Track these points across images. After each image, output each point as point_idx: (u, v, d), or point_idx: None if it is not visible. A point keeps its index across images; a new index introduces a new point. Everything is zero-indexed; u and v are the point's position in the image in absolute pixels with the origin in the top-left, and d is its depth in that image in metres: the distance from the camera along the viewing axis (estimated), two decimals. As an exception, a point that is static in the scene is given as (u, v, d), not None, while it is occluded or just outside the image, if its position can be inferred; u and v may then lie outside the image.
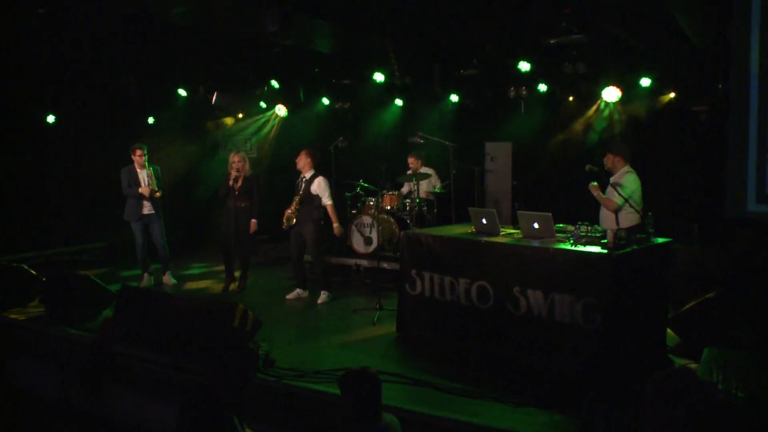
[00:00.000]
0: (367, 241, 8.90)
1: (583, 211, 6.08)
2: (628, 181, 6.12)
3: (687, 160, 8.20)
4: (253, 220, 8.03)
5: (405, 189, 9.56)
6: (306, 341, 6.14)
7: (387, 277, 8.49)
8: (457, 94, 9.63)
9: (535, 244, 5.41)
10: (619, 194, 5.82)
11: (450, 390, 4.74)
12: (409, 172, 9.23)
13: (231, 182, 7.91)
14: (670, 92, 8.26)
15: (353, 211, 9.48)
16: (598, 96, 8.62)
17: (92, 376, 6.15)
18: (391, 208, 9.05)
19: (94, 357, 6.15)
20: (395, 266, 8.49)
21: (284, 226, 7.65)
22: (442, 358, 5.50)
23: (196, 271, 9.69)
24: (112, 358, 6.14)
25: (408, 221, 9.07)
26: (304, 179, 7.67)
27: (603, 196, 6.12)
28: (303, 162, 7.59)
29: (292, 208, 7.55)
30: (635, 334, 5.15)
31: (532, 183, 9.28)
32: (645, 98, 8.40)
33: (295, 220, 7.53)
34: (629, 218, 6.08)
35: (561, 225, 5.78)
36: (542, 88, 8.87)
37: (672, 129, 8.33)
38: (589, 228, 5.49)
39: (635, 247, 5.08)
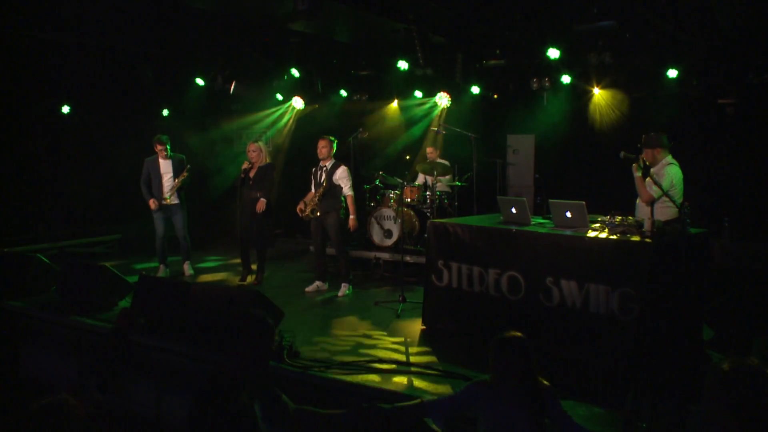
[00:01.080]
0: (387, 233, 8.75)
1: (608, 205, 5.82)
2: (668, 173, 5.78)
3: (714, 153, 8.01)
4: (262, 199, 7.82)
5: (420, 179, 9.39)
6: (328, 333, 5.97)
7: (408, 270, 8.35)
8: (479, 86, 9.45)
9: (568, 233, 5.24)
10: (658, 186, 5.53)
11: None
12: (427, 161, 9.09)
13: (243, 173, 7.77)
14: (696, 84, 8.04)
15: (372, 204, 9.34)
16: (623, 87, 8.44)
17: (109, 366, 6.04)
18: (412, 200, 8.89)
19: (111, 347, 6.03)
20: (417, 259, 8.37)
21: (305, 216, 7.45)
22: (472, 350, 5.33)
23: (211, 264, 9.56)
24: (130, 348, 6.01)
25: (429, 214, 8.92)
26: (324, 168, 7.48)
27: (643, 182, 5.81)
28: (328, 150, 7.38)
29: (314, 198, 7.36)
30: (672, 326, 4.96)
31: (555, 176, 9.08)
32: (672, 89, 8.18)
33: (319, 212, 7.33)
34: (666, 212, 5.75)
35: (590, 216, 5.60)
36: (566, 79, 8.68)
37: (700, 121, 8.14)
38: (623, 217, 5.31)
39: (673, 236, 4.90)
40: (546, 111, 9.17)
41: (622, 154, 5.58)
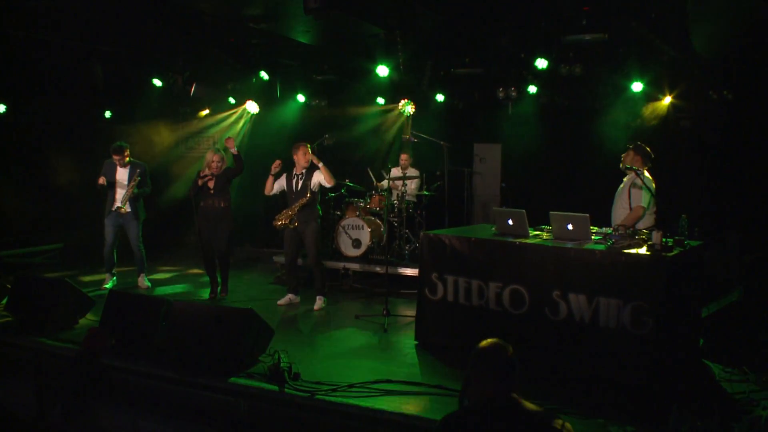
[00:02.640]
0: (356, 243, 8.41)
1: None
2: (646, 181, 5.94)
3: (678, 166, 8.17)
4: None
5: (384, 184, 9.09)
6: (318, 352, 5.59)
7: (379, 281, 8.07)
8: (443, 94, 9.29)
9: (569, 245, 5.10)
10: (650, 192, 5.55)
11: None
12: (397, 168, 8.83)
13: (201, 182, 7.20)
14: (663, 98, 8.19)
15: (338, 213, 8.99)
16: (592, 98, 8.49)
17: (79, 392, 5.41)
18: (380, 209, 8.60)
19: (81, 371, 5.41)
20: (383, 270, 8.07)
21: (279, 226, 6.99)
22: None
23: (166, 275, 8.91)
24: (102, 372, 5.42)
25: (396, 223, 8.65)
26: (299, 176, 7.05)
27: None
28: (308, 157, 6.96)
29: (294, 208, 6.91)
30: (682, 338, 4.91)
31: (521, 185, 9.03)
32: (639, 102, 8.30)
33: (297, 222, 6.90)
34: (646, 220, 5.94)
35: None
36: (532, 89, 8.65)
37: (664, 134, 8.28)
38: (626, 230, 5.25)
39: (681, 249, 4.85)
40: (513, 120, 9.10)
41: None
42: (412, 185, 8.81)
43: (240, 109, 10.81)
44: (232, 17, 7.38)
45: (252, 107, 10.62)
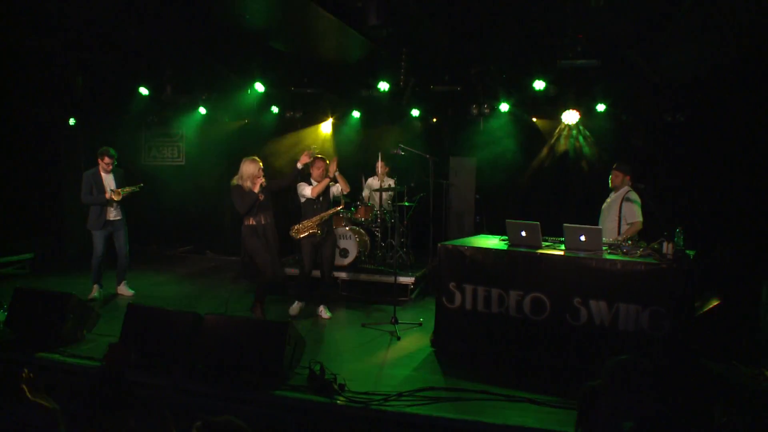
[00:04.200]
0: (343, 252, 8.34)
1: (548, 226, 6.01)
2: (635, 197, 6.33)
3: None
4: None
5: (366, 194, 9.07)
6: (343, 362, 5.49)
7: (367, 288, 8.07)
8: (419, 109, 9.42)
9: (582, 254, 5.33)
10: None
11: (545, 402, 4.47)
12: (375, 178, 8.84)
13: (261, 195, 6.44)
14: (625, 119, 8.65)
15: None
16: (555, 117, 8.88)
17: (100, 409, 5.06)
18: (365, 220, 8.59)
19: (105, 387, 5.06)
20: (374, 278, 8.08)
21: (305, 236, 6.73)
22: (500, 370, 5.22)
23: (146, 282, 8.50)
24: (126, 388, 5.09)
25: (377, 233, 8.68)
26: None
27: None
28: (331, 169, 6.78)
29: (322, 217, 6.73)
30: (690, 339, 5.23)
31: (494, 197, 9.30)
32: (601, 120, 8.75)
33: (319, 231, 6.74)
34: (632, 230, 6.33)
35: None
36: (504, 107, 8.93)
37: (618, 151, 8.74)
38: (631, 241, 5.57)
39: (688, 258, 5.18)
40: (487, 135, 9.33)
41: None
42: (386, 195, 8.84)
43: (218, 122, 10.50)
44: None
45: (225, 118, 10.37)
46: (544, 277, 5.33)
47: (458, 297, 5.72)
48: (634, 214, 6.24)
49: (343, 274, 8.23)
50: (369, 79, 8.72)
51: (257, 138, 10.21)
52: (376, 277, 8.10)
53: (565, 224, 5.59)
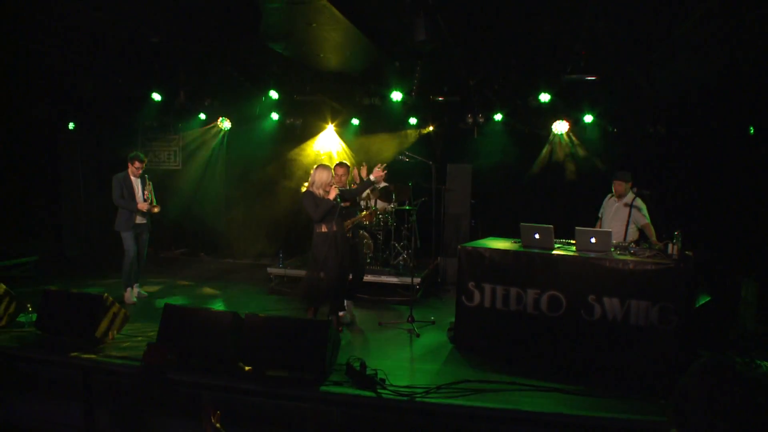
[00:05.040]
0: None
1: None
2: (641, 203, 6.76)
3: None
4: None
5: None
6: (375, 357, 5.66)
7: (374, 289, 8.28)
8: (416, 118, 9.72)
9: (592, 255, 5.69)
10: (645, 213, 6.43)
11: (570, 391, 4.79)
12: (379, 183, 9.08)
13: (337, 201, 6.27)
14: (612, 129, 9.12)
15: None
16: (550, 127, 9.30)
17: (145, 407, 5.15)
18: (370, 224, 8.80)
19: (147, 386, 5.15)
20: (378, 279, 8.31)
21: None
22: (520, 363, 5.53)
23: (155, 288, 8.52)
24: (170, 386, 5.18)
25: (379, 236, 8.92)
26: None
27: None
28: (349, 175, 7.02)
29: (352, 222, 6.96)
30: (693, 331, 5.64)
31: (488, 203, 9.65)
32: (589, 130, 9.21)
33: (350, 233, 6.93)
34: (634, 234, 6.76)
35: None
36: (498, 117, 9.31)
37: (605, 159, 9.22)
38: (638, 244, 5.97)
39: (690, 259, 5.59)
40: (481, 144, 9.68)
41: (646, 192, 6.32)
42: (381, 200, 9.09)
43: (212, 126, 10.55)
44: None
45: (225, 123, 10.43)
46: (560, 276, 5.67)
47: (477, 296, 6.01)
48: (644, 217, 6.66)
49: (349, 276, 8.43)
50: (372, 87, 8.95)
51: (257, 144, 10.32)
52: (383, 278, 8.33)
53: (576, 227, 5.94)
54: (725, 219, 8.33)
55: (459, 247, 6.18)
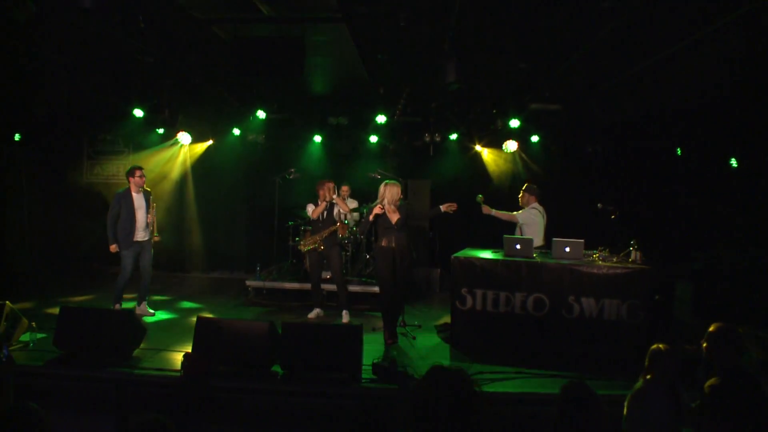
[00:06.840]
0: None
1: (494, 240, 7.52)
2: (529, 212, 7.87)
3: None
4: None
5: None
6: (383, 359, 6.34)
7: (352, 298, 8.86)
8: (377, 136, 10.45)
9: (566, 262, 6.70)
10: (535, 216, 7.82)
11: (565, 377, 5.69)
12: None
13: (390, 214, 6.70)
14: (554, 149, 10.35)
15: (297, 239, 9.55)
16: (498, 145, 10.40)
17: (183, 416, 5.46)
18: (342, 236, 9.40)
19: (189, 395, 5.46)
20: (356, 288, 8.93)
21: (307, 249, 7.64)
22: (511, 356, 6.38)
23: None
24: (211, 394, 5.52)
25: (348, 248, 9.55)
26: (325, 207, 7.82)
27: (500, 212, 7.82)
28: (332, 193, 7.65)
29: (322, 235, 7.60)
30: (655, 324, 6.77)
31: (445, 215, 10.52)
32: (535, 149, 10.40)
33: (323, 246, 7.58)
34: (537, 241, 7.76)
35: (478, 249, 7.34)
36: (453, 136, 10.28)
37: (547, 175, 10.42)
38: (606, 252, 7.05)
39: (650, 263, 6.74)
40: (440, 161, 10.58)
41: (599, 205, 7.33)
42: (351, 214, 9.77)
43: (171, 141, 10.67)
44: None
45: (185, 139, 10.59)
46: (543, 281, 6.62)
47: (469, 300, 6.84)
48: (536, 228, 7.79)
49: (330, 286, 8.98)
50: (337, 106, 9.58)
51: (218, 158, 10.60)
52: (359, 288, 8.95)
53: (554, 238, 6.93)
54: (657, 227, 9.73)
55: (452, 257, 6.98)
